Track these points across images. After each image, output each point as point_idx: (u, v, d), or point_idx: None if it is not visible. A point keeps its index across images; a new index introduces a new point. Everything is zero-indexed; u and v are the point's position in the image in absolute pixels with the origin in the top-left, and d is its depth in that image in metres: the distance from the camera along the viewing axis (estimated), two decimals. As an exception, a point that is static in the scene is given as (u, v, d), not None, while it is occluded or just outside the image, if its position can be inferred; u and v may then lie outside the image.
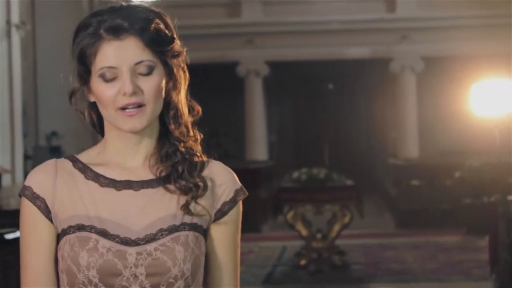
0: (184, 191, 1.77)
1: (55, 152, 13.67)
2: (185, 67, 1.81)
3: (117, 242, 1.72)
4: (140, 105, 1.73)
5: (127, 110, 1.73)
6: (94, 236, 1.72)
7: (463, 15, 15.51)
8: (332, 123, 18.92)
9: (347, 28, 16.13)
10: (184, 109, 1.80)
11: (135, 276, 1.71)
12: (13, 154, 11.54)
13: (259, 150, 16.37)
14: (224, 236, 1.82)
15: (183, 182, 1.77)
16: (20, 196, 1.78)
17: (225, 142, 17.97)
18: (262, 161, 15.43)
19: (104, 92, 1.73)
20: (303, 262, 8.78)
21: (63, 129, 13.27)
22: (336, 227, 8.86)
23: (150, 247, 1.73)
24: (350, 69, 18.22)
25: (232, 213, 1.83)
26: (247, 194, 1.85)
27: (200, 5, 15.98)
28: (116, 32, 1.71)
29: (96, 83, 1.74)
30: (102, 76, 1.73)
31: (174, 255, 1.72)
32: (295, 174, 9.19)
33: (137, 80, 1.73)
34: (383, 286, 7.97)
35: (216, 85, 16.78)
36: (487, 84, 11.79)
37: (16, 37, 11.59)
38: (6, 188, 11.07)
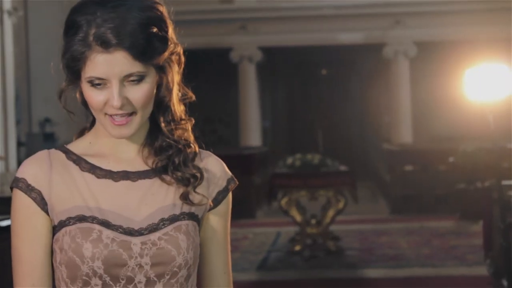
0: (181, 182, 1.76)
1: (49, 139, 13.64)
2: (181, 53, 1.78)
3: (120, 232, 1.70)
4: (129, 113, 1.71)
5: (116, 119, 1.70)
6: (97, 226, 1.69)
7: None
8: (326, 108, 18.92)
9: (340, 13, 16.10)
10: (176, 106, 1.78)
11: (140, 266, 1.69)
12: (6, 141, 11.50)
13: (253, 136, 16.37)
14: (218, 224, 1.83)
15: (180, 174, 1.76)
16: (11, 188, 1.74)
17: (219, 128, 17.97)
18: (256, 147, 15.43)
19: (92, 98, 1.70)
20: (297, 248, 8.78)
21: (57, 116, 13.23)
22: (330, 213, 8.86)
23: (154, 236, 1.71)
24: (344, 55, 18.20)
25: (224, 202, 1.83)
26: (237, 183, 1.85)
27: (193, -9, 15.91)
28: (105, 45, 1.66)
29: (85, 87, 1.70)
30: (91, 83, 1.70)
31: (178, 244, 1.72)
32: (289, 160, 9.19)
33: (126, 91, 1.69)
34: (377, 271, 7.99)
35: (209, 71, 16.75)
36: (481, 69, 11.78)
37: (8, 23, 11.54)
38: (-1, 175, 11.04)
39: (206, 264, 1.81)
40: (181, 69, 1.79)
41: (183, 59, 1.79)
